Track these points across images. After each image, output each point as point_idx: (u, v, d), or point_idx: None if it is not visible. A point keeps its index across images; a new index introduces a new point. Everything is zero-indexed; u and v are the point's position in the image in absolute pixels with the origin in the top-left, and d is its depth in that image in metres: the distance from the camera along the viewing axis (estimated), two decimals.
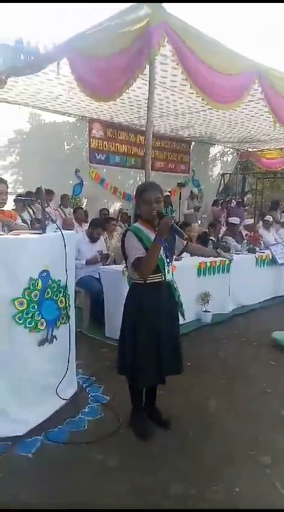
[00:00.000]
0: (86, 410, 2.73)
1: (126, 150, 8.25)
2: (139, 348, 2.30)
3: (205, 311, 4.58)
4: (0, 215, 2.98)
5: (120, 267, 4.19)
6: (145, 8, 3.31)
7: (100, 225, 5.07)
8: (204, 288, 4.59)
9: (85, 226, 5.95)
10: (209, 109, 6.18)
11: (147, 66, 3.67)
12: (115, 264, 5.09)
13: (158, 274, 2.32)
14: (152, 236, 2.27)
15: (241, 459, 2.26)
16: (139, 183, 8.74)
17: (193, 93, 5.45)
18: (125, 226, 7.31)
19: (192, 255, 3.52)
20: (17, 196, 3.72)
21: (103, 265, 4.66)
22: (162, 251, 2.29)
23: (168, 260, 2.36)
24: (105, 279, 4.22)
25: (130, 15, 3.43)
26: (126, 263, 2.45)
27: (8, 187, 3.07)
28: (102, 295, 4.23)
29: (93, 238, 4.80)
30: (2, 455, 2.21)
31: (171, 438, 2.42)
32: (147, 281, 2.31)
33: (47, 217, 3.21)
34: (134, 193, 2.46)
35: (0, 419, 2.34)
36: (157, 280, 2.32)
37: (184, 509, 1.89)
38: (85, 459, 2.22)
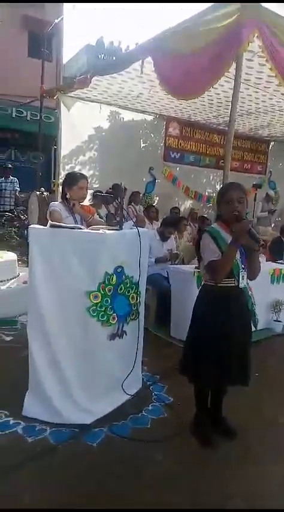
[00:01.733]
0: (149, 408, 2.73)
1: (200, 149, 8.11)
2: (203, 353, 2.24)
3: (276, 320, 4.35)
4: (81, 209, 3.10)
5: (189, 268, 4.14)
6: (236, 3, 3.20)
7: (172, 224, 5.05)
8: (277, 296, 4.36)
9: (156, 224, 5.98)
10: None
11: (233, 63, 3.55)
12: (184, 263, 5.06)
13: (231, 280, 2.23)
14: (229, 239, 2.19)
15: None
16: (212, 183, 8.68)
17: (278, 90, 5.20)
18: (194, 226, 7.23)
19: None
20: (96, 192, 3.83)
21: (172, 264, 4.64)
22: (238, 256, 2.20)
23: (243, 266, 2.27)
24: (173, 278, 4.20)
25: (219, 10, 3.33)
26: (199, 264, 2.40)
27: (88, 183, 3.17)
28: (169, 294, 4.22)
29: (164, 237, 4.80)
30: (70, 441, 2.30)
31: (236, 450, 2.33)
32: (219, 284, 2.23)
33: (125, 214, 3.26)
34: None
35: (70, 407, 2.45)
36: (230, 285, 2.24)
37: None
38: (147, 458, 2.22)
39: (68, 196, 3.08)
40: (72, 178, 3.10)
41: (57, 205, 3.09)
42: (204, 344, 2.23)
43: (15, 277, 4.95)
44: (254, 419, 2.67)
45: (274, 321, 4.34)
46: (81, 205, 3.20)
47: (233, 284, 2.22)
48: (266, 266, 4.32)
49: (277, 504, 1.95)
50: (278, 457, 2.32)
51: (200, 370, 2.25)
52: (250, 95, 5.51)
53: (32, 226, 2.50)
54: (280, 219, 8.59)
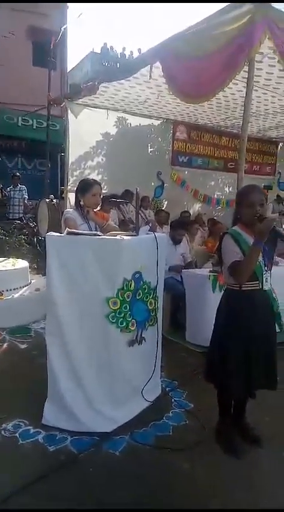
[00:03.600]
0: (170, 415, 2.70)
1: (209, 152, 8.09)
2: (231, 359, 2.20)
3: None
4: (95, 216, 3.08)
5: (204, 271, 4.11)
6: (247, 4, 3.19)
7: (181, 226, 5.01)
8: None
9: (166, 228, 5.96)
10: None
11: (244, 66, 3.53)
12: (197, 267, 5.02)
13: (255, 282, 2.19)
14: (251, 241, 2.15)
15: None
16: (221, 185, 8.65)
17: None
18: (203, 230, 7.18)
19: None
20: (110, 198, 3.82)
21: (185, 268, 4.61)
22: (260, 257, 2.17)
23: (266, 268, 2.23)
24: (187, 282, 4.17)
25: (230, 13, 3.32)
26: (221, 267, 2.37)
27: (102, 189, 3.14)
28: (183, 298, 4.18)
29: (175, 240, 4.77)
30: (91, 450, 2.27)
31: (262, 458, 2.28)
32: (242, 288, 2.20)
33: (143, 219, 3.22)
34: (236, 196, 2.36)
35: (90, 415, 2.42)
36: (254, 288, 2.20)
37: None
38: (172, 466, 2.19)
39: (81, 203, 3.06)
40: (86, 185, 3.08)
41: (71, 212, 3.07)
42: (231, 351, 2.19)
43: (27, 285, 4.96)
44: (278, 426, 2.61)
45: None
46: (95, 211, 3.18)
47: (258, 287, 2.19)
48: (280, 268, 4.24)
49: None
50: None
51: (230, 379, 2.20)
52: (259, 97, 5.48)
53: (49, 234, 2.48)
54: None
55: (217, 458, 2.25)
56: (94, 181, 3.14)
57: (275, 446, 2.38)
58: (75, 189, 3.16)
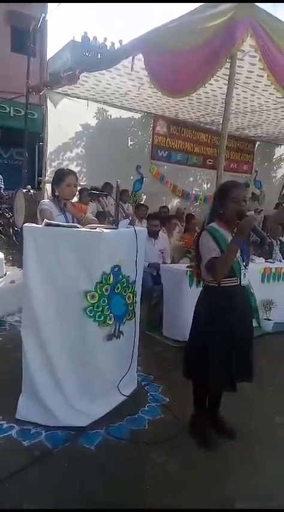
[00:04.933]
0: (146, 409, 2.71)
1: (188, 147, 8.12)
2: (211, 356, 2.21)
3: (267, 319, 4.39)
4: (73, 208, 3.02)
5: (182, 266, 4.13)
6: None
7: (155, 217, 5.00)
8: (267, 294, 4.39)
9: (145, 223, 5.95)
10: (282, 107, 5.90)
11: (226, 63, 3.54)
12: (174, 262, 5.04)
13: (233, 278, 2.22)
14: (229, 238, 2.17)
15: None
16: (199, 182, 8.70)
17: (266, 90, 5.24)
18: (182, 225, 7.22)
19: None
20: (90, 190, 3.75)
21: (163, 263, 4.62)
22: (238, 254, 2.19)
23: (244, 263, 2.26)
24: (165, 277, 4.18)
25: (213, 8, 3.32)
26: (198, 263, 2.38)
27: (77, 180, 3.03)
28: (153, 293, 4.19)
29: (150, 232, 4.74)
30: (66, 445, 2.25)
31: (235, 450, 2.33)
32: (221, 284, 2.22)
33: (122, 213, 3.17)
34: (216, 191, 2.37)
35: (66, 409, 2.39)
36: (232, 284, 2.22)
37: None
38: (147, 460, 2.20)
39: (57, 193, 2.97)
40: (60, 175, 2.97)
41: (47, 203, 2.97)
42: (211, 347, 2.20)
43: (2, 277, 4.85)
44: (250, 419, 2.68)
45: (265, 319, 4.38)
46: (73, 203, 3.11)
47: (236, 283, 2.21)
48: (257, 265, 4.34)
49: (278, 503, 1.95)
50: (277, 455, 2.33)
51: (209, 375, 2.22)
52: (239, 94, 5.52)
53: (26, 224, 2.42)
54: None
55: (191, 452, 2.28)
56: (69, 171, 3.04)
57: (248, 440, 2.43)
58: (52, 179, 3.08)
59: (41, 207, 2.93)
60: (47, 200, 3.09)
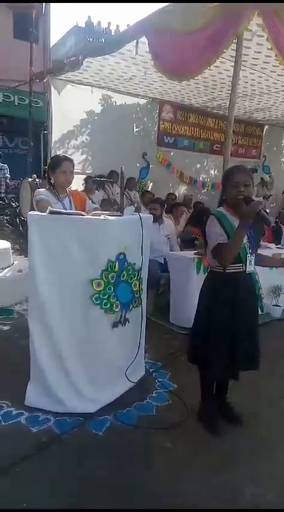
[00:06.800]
0: (154, 395, 2.71)
1: (195, 133, 8.00)
2: (213, 340, 2.21)
3: (275, 305, 4.35)
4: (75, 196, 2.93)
5: (188, 254, 4.10)
6: None
7: (155, 201, 4.93)
8: (276, 281, 4.35)
9: None
10: None
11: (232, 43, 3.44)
12: (182, 250, 5.00)
13: (239, 265, 2.19)
14: (236, 223, 2.13)
15: None
16: (206, 168, 8.59)
17: (275, 71, 5.11)
18: (188, 212, 7.16)
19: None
20: (95, 178, 3.72)
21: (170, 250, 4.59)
22: (245, 239, 2.15)
23: (251, 250, 2.22)
24: (172, 265, 4.16)
25: None
26: (205, 249, 2.35)
27: (74, 167, 2.92)
28: (159, 282, 4.17)
29: (156, 218, 4.68)
30: (75, 430, 2.27)
31: (243, 436, 2.32)
32: (226, 270, 2.19)
33: (128, 201, 3.07)
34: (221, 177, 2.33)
35: (74, 396, 2.41)
36: (238, 270, 2.19)
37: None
38: (155, 445, 2.21)
39: (52, 181, 2.86)
40: (55, 162, 2.86)
41: (43, 192, 2.84)
42: (213, 332, 2.19)
43: (9, 266, 4.87)
44: (258, 405, 2.67)
45: (273, 305, 4.35)
46: (71, 190, 3.03)
47: (241, 269, 2.18)
48: (266, 251, 4.28)
49: None
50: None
51: (211, 360, 2.22)
52: (246, 77, 5.41)
53: (31, 213, 2.40)
54: (274, 204, 8.58)
55: (199, 437, 2.28)
56: (65, 157, 2.92)
57: (255, 425, 2.43)
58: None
59: (36, 198, 2.80)
60: (42, 189, 2.93)
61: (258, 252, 2.33)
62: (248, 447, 2.24)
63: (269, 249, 4.42)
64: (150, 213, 4.56)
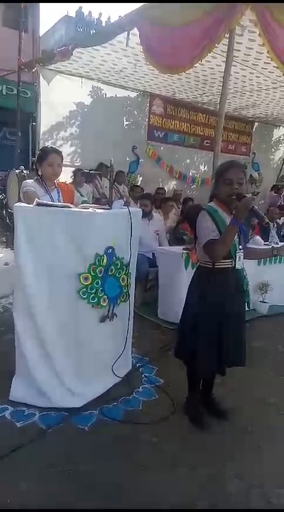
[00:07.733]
0: (140, 390, 2.71)
1: (185, 128, 7.96)
2: (201, 336, 2.21)
3: (262, 301, 4.38)
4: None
5: (178, 249, 4.09)
6: None
7: (147, 197, 4.92)
8: (263, 277, 4.38)
9: None
10: (281, 86, 5.76)
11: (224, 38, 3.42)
12: (170, 245, 5.00)
13: (228, 260, 2.18)
14: (228, 220, 2.12)
15: None
16: (196, 164, 8.57)
17: (266, 68, 5.11)
18: (178, 207, 7.14)
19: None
20: (84, 170, 3.66)
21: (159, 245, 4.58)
22: (236, 236, 2.14)
23: (240, 246, 2.22)
24: (160, 260, 4.15)
25: None
26: (195, 244, 2.34)
27: (62, 159, 2.86)
28: (148, 276, 4.17)
29: (143, 213, 4.66)
30: (60, 425, 2.25)
31: (228, 431, 2.34)
32: (215, 266, 2.18)
33: (117, 195, 3.03)
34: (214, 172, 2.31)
35: (59, 391, 2.39)
36: (227, 266, 2.19)
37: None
38: (141, 440, 2.20)
39: (40, 173, 2.80)
40: (43, 153, 2.80)
41: (30, 183, 2.77)
42: (201, 328, 2.19)
43: None
44: (244, 400, 2.69)
45: (260, 302, 4.38)
46: (59, 183, 2.97)
47: (230, 265, 2.18)
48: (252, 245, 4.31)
49: (273, 482, 1.96)
50: (270, 436, 2.35)
51: (198, 355, 2.21)
52: (237, 73, 5.39)
53: (17, 204, 2.35)
54: (263, 201, 8.62)
55: (185, 432, 2.29)
56: (53, 149, 2.86)
57: (241, 420, 2.45)
58: None
59: (24, 189, 2.73)
60: (30, 181, 2.85)
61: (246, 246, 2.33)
62: (234, 442, 2.26)
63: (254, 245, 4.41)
64: (142, 210, 4.55)
